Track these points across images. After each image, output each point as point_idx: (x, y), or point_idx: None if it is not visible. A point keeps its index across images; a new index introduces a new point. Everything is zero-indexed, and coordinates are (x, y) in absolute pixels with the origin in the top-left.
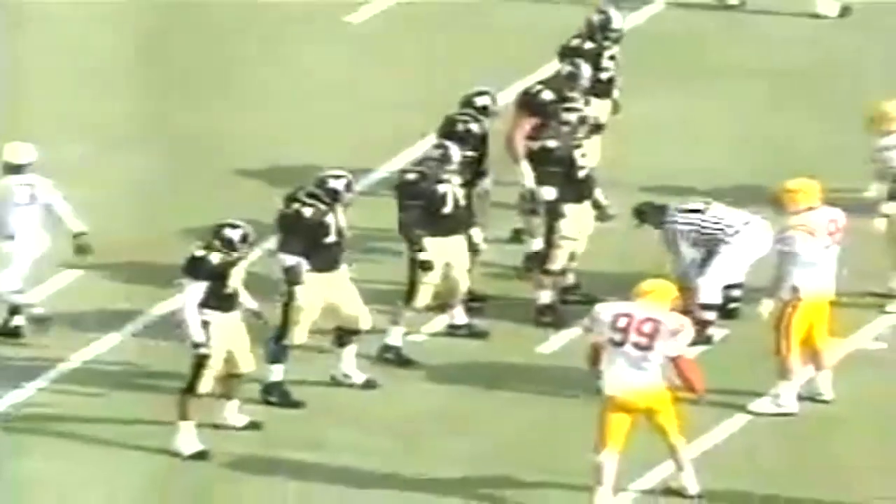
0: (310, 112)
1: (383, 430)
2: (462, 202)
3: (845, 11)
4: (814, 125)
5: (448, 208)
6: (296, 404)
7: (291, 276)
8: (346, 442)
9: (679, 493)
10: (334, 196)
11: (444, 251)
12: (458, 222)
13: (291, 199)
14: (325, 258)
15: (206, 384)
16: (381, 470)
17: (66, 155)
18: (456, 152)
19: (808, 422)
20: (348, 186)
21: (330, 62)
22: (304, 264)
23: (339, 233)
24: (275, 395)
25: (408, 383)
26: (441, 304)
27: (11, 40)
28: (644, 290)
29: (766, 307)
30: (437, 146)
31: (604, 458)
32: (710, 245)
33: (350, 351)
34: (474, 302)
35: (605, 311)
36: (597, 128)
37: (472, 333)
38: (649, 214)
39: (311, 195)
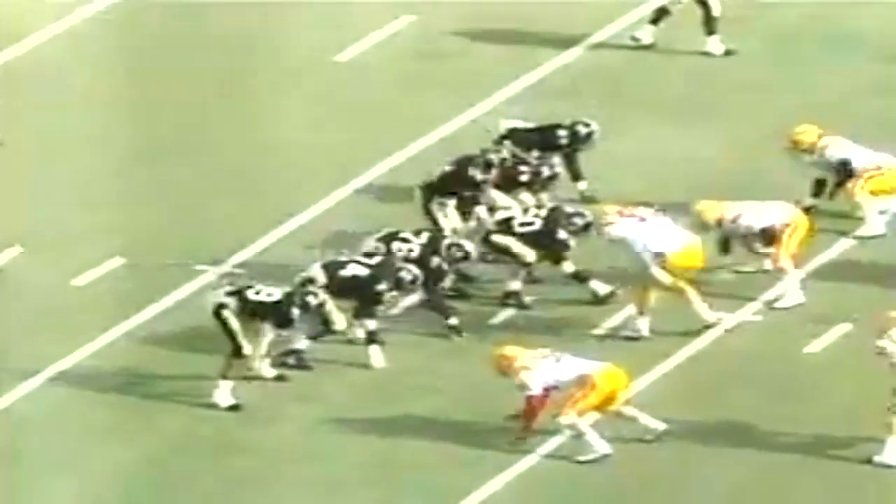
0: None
1: (369, 386)
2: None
3: (729, 52)
4: (713, 144)
5: None
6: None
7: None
8: (342, 396)
9: (654, 438)
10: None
11: None
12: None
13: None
14: None
15: (247, 348)
16: (366, 416)
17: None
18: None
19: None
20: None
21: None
22: None
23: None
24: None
25: (390, 353)
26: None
27: None
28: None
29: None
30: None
31: (579, 420)
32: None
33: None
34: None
35: (560, 372)
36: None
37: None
38: None
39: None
